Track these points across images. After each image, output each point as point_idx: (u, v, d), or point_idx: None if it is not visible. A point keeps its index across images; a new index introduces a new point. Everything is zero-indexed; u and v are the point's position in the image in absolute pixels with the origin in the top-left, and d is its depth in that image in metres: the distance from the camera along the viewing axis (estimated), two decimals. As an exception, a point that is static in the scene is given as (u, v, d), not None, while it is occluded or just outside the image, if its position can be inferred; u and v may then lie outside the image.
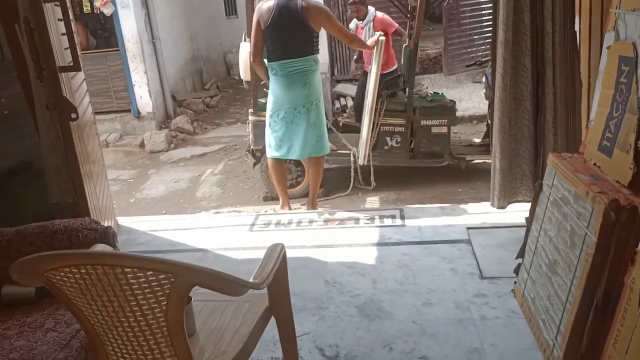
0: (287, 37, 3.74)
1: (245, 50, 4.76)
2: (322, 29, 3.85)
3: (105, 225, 2.30)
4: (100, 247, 1.91)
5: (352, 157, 4.81)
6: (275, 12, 3.69)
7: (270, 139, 4.01)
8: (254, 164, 5.02)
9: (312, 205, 4.15)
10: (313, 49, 3.82)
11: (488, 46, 9.58)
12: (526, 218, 2.48)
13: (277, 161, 4.08)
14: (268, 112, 4.00)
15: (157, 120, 7.89)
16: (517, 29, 2.93)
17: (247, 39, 4.71)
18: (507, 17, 2.89)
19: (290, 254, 3.09)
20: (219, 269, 1.41)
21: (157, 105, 7.98)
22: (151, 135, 7.33)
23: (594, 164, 2.13)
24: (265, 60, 3.92)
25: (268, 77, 3.93)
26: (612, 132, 2.05)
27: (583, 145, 2.33)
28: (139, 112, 7.85)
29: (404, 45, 5.74)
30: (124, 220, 3.88)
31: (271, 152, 4.04)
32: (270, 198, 4.92)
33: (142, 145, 7.35)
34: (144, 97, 7.84)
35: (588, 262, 1.76)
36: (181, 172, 6.27)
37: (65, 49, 3.01)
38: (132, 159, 7.03)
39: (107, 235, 2.15)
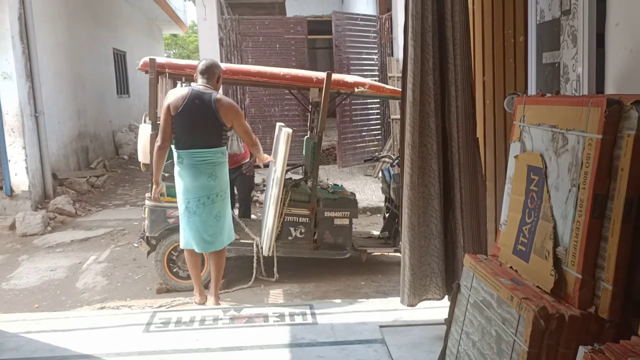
0: (197, 127, 3.71)
1: (145, 132, 4.56)
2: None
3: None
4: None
5: (254, 247, 4.66)
6: (188, 100, 3.67)
7: (180, 228, 3.96)
8: (148, 253, 4.65)
9: (215, 300, 3.90)
10: (221, 142, 3.82)
11: (376, 142, 10.22)
12: (445, 319, 2.48)
13: (189, 250, 3.98)
14: (178, 200, 3.92)
15: (33, 200, 7.18)
16: (423, 132, 3.07)
17: (148, 121, 4.54)
18: (413, 121, 3.03)
19: (194, 359, 2.82)
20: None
21: (34, 183, 7.30)
22: (25, 216, 6.59)
23: (511, 267, 2.21)
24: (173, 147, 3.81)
25: (160, 168, 3.91)
26: (526, 237, 2.16)
27: (496, 247, 2.42)
28: (12, 190, 7.10)
29: (306, 137, 5.89)
30: (-11, 319, 3.32)
31: (180, 242, 4.01)
32: (165, 290, 4.53)
33: (12, 227, 6.57)
34: (19, 174, 7.15)
35: (520, 370, 1.76)
36: (59, 259, 5.63)
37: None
38: (0, 243, 6.22)
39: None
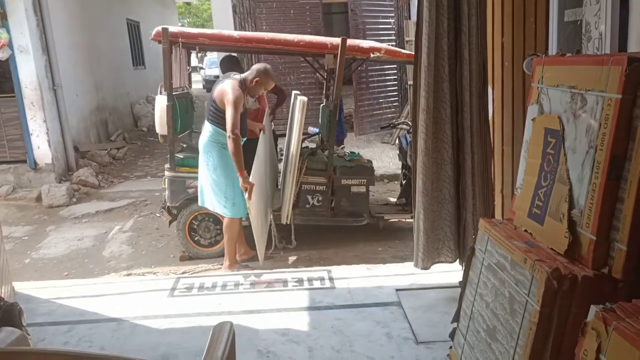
0: (208, 104, 4.11)
1: (161, 103, 4.59)
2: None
3: (5, 297, 2.02)
4: (5, 333, 1.63)
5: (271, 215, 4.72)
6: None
7: None
8: (170, 222, 4.76)
9: (228, 266, 4.05)
10: (212, 120, 4.03)
11: (394, 109, 10.13)
12: (460, 282, 2.51)
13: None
14: None
15: (57, 172, 7.34)
16: (437, 97, 3.04)
17: (164, 92, 4.56)
18: (428, 85, 2.99)
19: (216, 321, 2.91)
20: (137, 341, 1.23)
21: (57, 156, 7.44)
22: (50, 188, 6.76)
23: (525, 231, 2.22)
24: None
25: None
26: (541, 201, 2.16)
27: (511, 211, 2.43)
28: (35, 163, 7.26)
29: (322, 105, 5.87)
30: (21, 287, 3.46)
31: None
32: (188, 258, 4.66)
33: (38, 199, 6.75)
34: (42, 147, 7.29)
35: (532, 330, 1.79)
36: (85, 229, 5.79)
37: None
38: (27, 214, 6.40)
39: (12, 314, 1.88)
